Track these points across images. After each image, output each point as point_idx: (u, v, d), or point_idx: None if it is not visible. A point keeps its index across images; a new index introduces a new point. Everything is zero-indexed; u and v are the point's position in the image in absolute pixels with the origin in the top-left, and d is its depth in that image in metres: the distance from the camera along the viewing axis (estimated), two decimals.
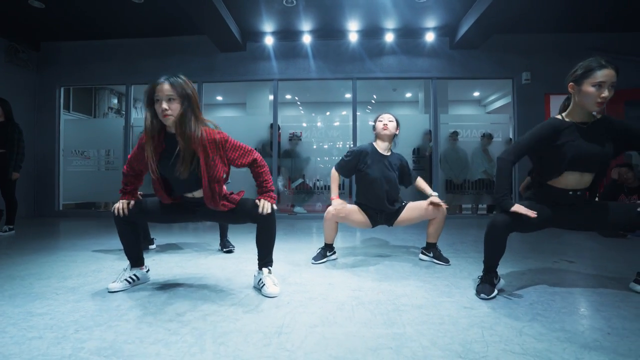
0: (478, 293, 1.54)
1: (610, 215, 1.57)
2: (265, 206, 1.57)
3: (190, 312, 1.36)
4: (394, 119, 2.29)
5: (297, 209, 5.20)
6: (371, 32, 4.98)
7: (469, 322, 1.26)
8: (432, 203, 2.16)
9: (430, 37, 4.96)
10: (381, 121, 2.27)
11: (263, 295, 1.57)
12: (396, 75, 5.15)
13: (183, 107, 1.49)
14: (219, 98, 8.16)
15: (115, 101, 7.60)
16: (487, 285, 1.55)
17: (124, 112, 7.57)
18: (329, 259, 2.28)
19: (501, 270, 1.75)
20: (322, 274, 1.97)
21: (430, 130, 5.05)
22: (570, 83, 1.54)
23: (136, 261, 1.74)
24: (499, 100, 8.02)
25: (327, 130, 5.25)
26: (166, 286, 1.72)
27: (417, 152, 5.06)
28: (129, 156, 1.66)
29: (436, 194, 2.21)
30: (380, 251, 2.59)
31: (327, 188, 5.19)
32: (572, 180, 1.56)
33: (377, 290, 1.65)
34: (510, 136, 5.10)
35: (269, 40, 5.04)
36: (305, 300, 1.51)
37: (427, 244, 2.27)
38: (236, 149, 1.61)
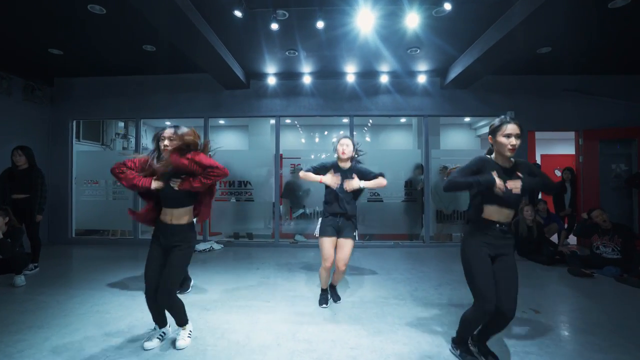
0: None
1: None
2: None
3: None
4: (350, 144, 2.67)
5: (298, 237, 5.54)
6: (367, 74, 5.36)
7: None
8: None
9: (422, 78, 5.35)
10: (341, 146, 2.67)
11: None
12: (391, 113, 5.54)
13: None
14: (222, 122, 8.49)
15: (122, 125, 7.89)
16: (468, 356, 1.87)
17: (130, 137, 7.95)
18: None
19: None
20: (325, 328, 2.32)
21: (422, 165, 5.43)
22: (489, 136, 1.89)
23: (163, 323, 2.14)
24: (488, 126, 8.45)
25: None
26: (194, 339, 2.05)
27: (410, 184, 5.43)
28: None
29: (363, 184, 2.60)
30: (377, 296, 2.94)
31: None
32: (494, 212, 1.83)
33: (371, 349, 2.00)
34: None
35: (271, 80, 5.40)
36: None
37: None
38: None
